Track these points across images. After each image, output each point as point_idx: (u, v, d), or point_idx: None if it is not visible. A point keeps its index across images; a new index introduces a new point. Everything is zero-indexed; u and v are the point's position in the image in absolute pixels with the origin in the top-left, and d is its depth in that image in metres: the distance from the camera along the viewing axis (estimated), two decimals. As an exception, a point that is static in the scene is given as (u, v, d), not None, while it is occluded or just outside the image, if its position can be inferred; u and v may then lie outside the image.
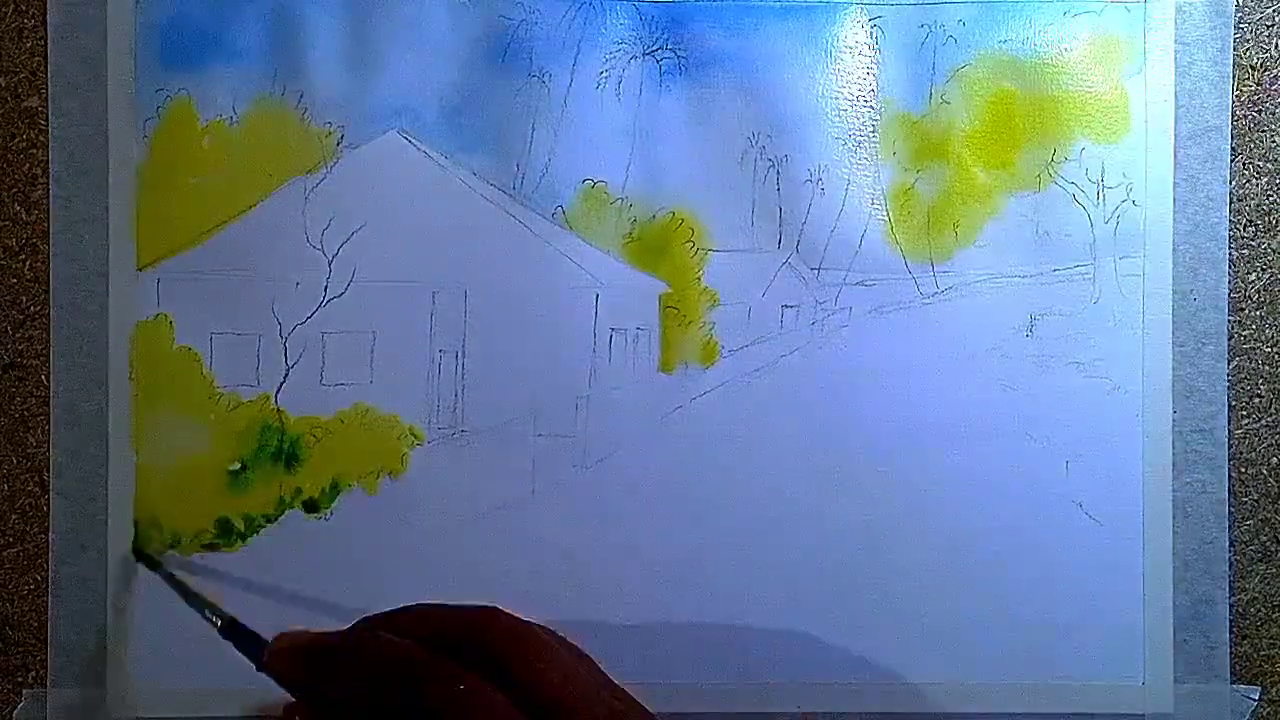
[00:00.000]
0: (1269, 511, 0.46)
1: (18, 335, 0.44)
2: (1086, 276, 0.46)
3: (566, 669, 0.32)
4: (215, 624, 0.40)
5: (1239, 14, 0.46)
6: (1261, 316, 0.46)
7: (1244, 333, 0.46)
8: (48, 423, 0.44)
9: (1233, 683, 0.46)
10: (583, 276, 0.45)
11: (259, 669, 0.36)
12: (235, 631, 0.39)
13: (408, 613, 0.35)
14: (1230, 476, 0.46)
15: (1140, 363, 0.46)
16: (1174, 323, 0.46)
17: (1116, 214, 0.46)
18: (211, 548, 0.44)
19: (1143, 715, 0.45)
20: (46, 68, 0.44)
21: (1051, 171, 0.46)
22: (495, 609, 0.33)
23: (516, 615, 0.33)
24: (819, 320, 0.46)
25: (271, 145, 0.44)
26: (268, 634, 0.37)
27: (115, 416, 0.44)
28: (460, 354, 0.45)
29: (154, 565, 0.44)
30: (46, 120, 0.44)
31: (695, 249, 0.46)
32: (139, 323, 0.44)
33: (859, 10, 0.46)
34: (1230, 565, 0.46)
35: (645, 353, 0.45)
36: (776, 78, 0.45)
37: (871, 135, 0.46)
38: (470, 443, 0.45)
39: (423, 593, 0.36)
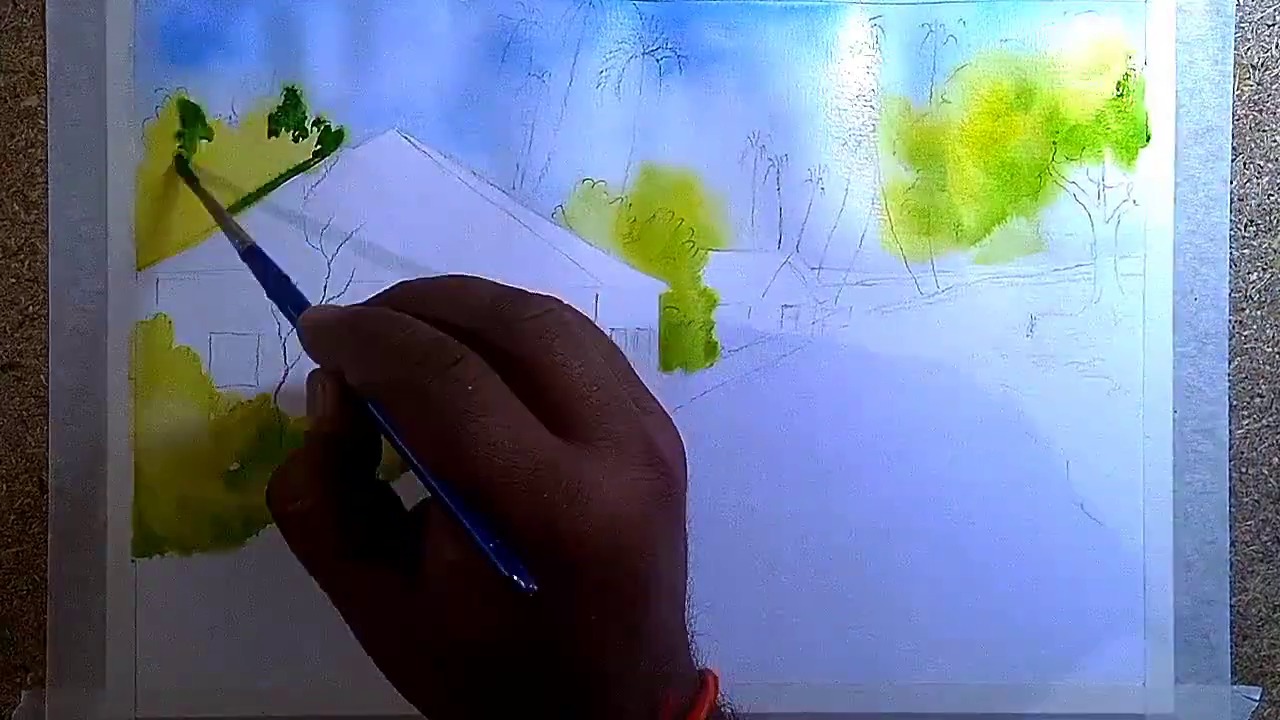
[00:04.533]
0: (1270, 511, 0.46)
1: (17, 335, 0.44)
2: (1087, 276, 0.46)
3: (592, 369, 0.31)
4: (239, 248, 0.40)
5: (1239, 13, 0.46)
6: (1262, 316, 0.46)
7: (1244, 333, 0.46)
8: (47, 423, 0.44)
9: (1234, 683, 0.46)
10: (582, 276, 0.45)
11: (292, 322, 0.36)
12: (255, 260, 0.39)
13: (446, 282, 0.34)
14: (1231, 476, 0.46)
15: (1140, 363, 0.46)
16: (1174, 323, 0.46)
17: (1117, 214, 0.46)
18: (211, 548, 0.44)
19: (1143, 715, 0.45)
20: (46, 67, 0.44)
21: (1052, 171, 0.46)
22: (529, 295, 0.32)
23: (554, 302, 0.33)
24: (819, 320, 0.46)
25: (271, 144, 0.44)
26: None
27: (115, 416, 0.44)
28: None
29: (191, 179, 0.43)
30: (46, 120, 0.44)
31: (695, 249, 0.46)
32: (138, 323, 0.44)
33: (859, 9, 0.45)
34: (1231, 565, 0.46)
35: (645, 353, 0.45)
36: (776, 77, 0.45)
37: (872, 134, 0.46)
38: (470, 443, 0.45)
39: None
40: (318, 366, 0.34)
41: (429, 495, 0.31)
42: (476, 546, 0.28)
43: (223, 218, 0.42)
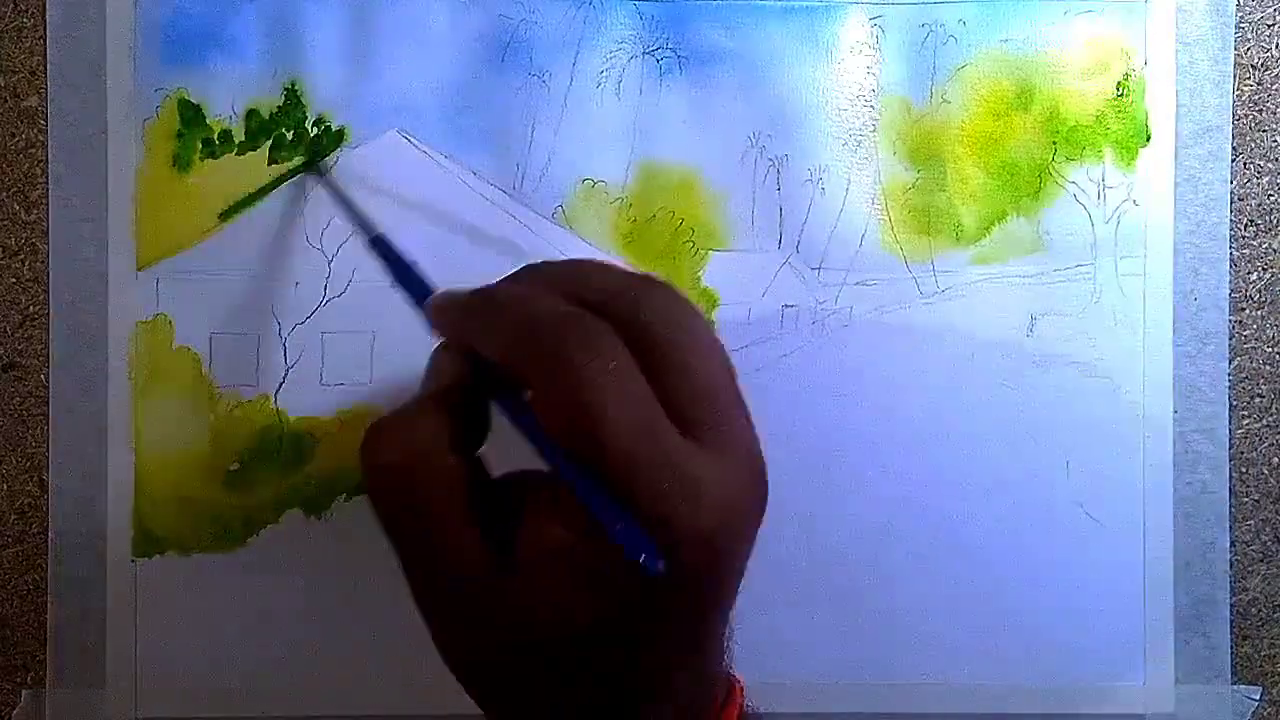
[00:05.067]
0: (1270, 511, 0.46)
1: (17, 335, 0.44)
2: (1087, 276, 0.46)
3: (710, 364, 0.31)
4: (365, 237, 0.41)
5: (1239, 13, 0.46)
6: (1262, 316, 0.46)
7: (1244, 333, 0.46)
8: (47, 423, 0.44)
9: (1234, 683, 0.46)
10: (583, 276, 0.45)
11: (419, 313, 0.36)
12: (382, 247, 0.40)
13: (569, 264, 0.33)
14: (1231, 476, 0.46)
15: (1140, 363, 0.46)
16: (1174, 323, 0.46)
17: (1117, 214, 0.46)
18: (211, 548, 0.44)
19: (1143, 715, 0.45)
20: (46, 67, 0.44)
21: (1052, 171, 0.46)
22: (655, 280, 0.32)
23: (675, 290, 0.32)
24: (819, 320, 0.46)
25: (271, 144, 0.44)
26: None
27: (115, 416, 0.44)
28: (460, 354, 0.45)
29: (321, 172, 0.44)
30: (46, 120, 0.44)
31: (695, 249, 0.46)
32: (139, 323, 0.44)
33: (859, 9, 0.45)
34: (1231, 565, 0.46)
35: (645, 353, 0.45)
36: (776, 77, 0.45)
37: (872, 134, 0.46)
38: (470, 443, 0.45)
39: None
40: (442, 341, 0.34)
41: (514, 478, 0.31)
42: (595, 524, 0.28)
43: (351, 207, 0.42)
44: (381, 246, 0.40)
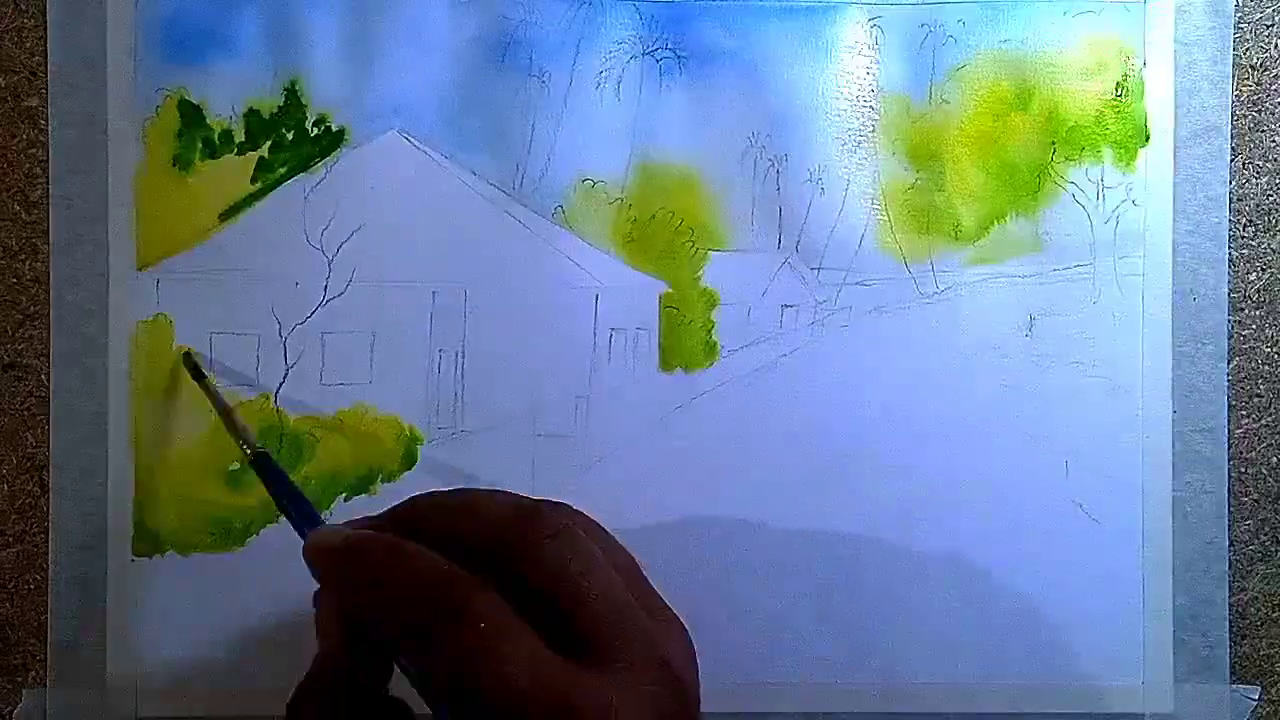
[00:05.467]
0: (1269, 511, 0.46)
1: (18, 335, 0.44)
2: (1086, 276, 0.46)
3: (607, 586, 0.31)
4: (247, 455, 0.40)
5: (1239, 14, 0.46)
6: (1261, 316, 0.46)
7: (1244, 333, 0.46)
8: (48, 423, 0.44)
9: (1233, 682, 0.46)
10: (583, 276, 0.45)
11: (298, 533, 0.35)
12: (263, 468, 0.39)
13: (454, 500, 0.33)
14: (1230, 476, 0.46)
15: (1140, 363, 0.46)
16: (1174, 323, 0.46)
17: (1116, 214, 0.46)
18: (211, 548, 0.44)
19: (1143, 715, 0.45)
20: (46, 67, 0.44)
21: (1051, 171, 0.46)
22: (538, 509, 0.32)
23: (563, 514, 0.33)
24: (819, 320, 0.46)
25: (271, 144, 0.44)
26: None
27: (115, 416, 0.44)
28: (460, 354, 0.45)
29: (199, 376, 0.43)
30: (46, 120, 0.44)
31: (695, 249, 0.46)
32: (139, 323, 0.44)
33: (859, 9, 0.46)
34: (1230, 565, 0.46)
35: (645, 353, 0.45)
36: (776, 77, 0.45)
37: (871, 134, 0.46)
38: (470, 443, 0.45)
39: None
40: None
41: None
42: None
43: (231, 420, 0.41)
44: (265, 468, 0.39)
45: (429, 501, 0.34)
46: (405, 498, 0.34)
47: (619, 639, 0.31)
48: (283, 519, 0.44)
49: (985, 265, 0.46)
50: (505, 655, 0.29)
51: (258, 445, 0.40)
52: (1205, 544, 0.46)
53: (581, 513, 0.34)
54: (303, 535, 0.35)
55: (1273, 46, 0.46)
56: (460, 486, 0.35)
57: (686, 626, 0.34)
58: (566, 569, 0.31)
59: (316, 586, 0.34)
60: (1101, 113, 0.46)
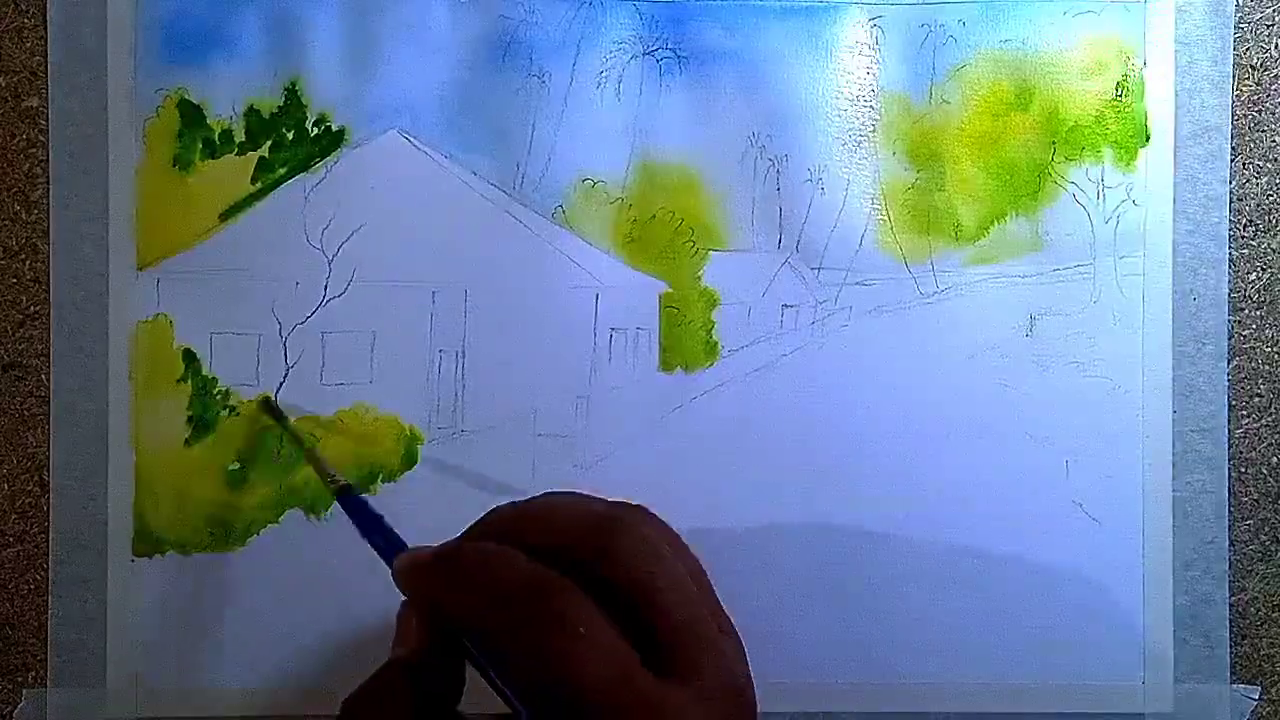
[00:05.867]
0: (1269, 511, 0.46)
1: (18, 335, 0.44)
2: (1086, 276, 0.46)
3: (687, 597, 0.31)
4: (330, 487, 0.40)
5: (1239, 14, 0.46)
6: (1261, 316, 0.46)
7: (1244, 333, 0.46)
8: (48, 423, 0.44)
9: (1233, 682, 0.46)
10: (583, 276, 0.45)
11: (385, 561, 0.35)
12: (348, 501, 0.39)
13: (534, 509, 0.33)
14: (1230, 476, 0.46)
15: (1140, 363, 0.46)
16: (1174, 322, 0.46)
17: (1116, 214, 0.46)
18: (211, 548, 0.44)
19: (1143, 715, 0.45)
20: (46, 67, 0.44)
21: (1051, 171, 0.46)
22: (622, 515, 0.32)
23: (646, 520, 0.33)
24: (819, 320, 0.46)
25: (271, 144, 0.44)
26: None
27: (115, 416, 0.44)
28: (460, 354, 0.45)
29: (280, 418, 0.43)
30: (46, 120, 0.44)
31: (695, 249, 0.46)
32: (139, 323, 0.44)
33: (859, 9, 0.46)
34: (1230, 565, 0.46)
35: (645, 353, 0.45)
36: (776, 77, 0.45)
37: (871, 134, 0.46)
38: (470, 443, 0.45)
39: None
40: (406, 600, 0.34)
41: None
42: None
43: (316, 460, 0.42)
44: (349, 498, 0.39)
45: (510, 512, 0.34)
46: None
47: (695, 653, 0.31)
48: (284, 519, 0.44)
49: (985, 265, 0.46)
50: (598, 660, 0.29)
51: (340, 478, 0.40)
52: (1205, 544, 0.46)
53: (655, 515, 0.34)
54: (388, 561, 0.35)
55: (1273, 46, 0.46)
56: (558, 491, 0.35)
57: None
58: (647, 578, 0.31)
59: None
60: (1101, 113, 0.46)
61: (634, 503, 0.34)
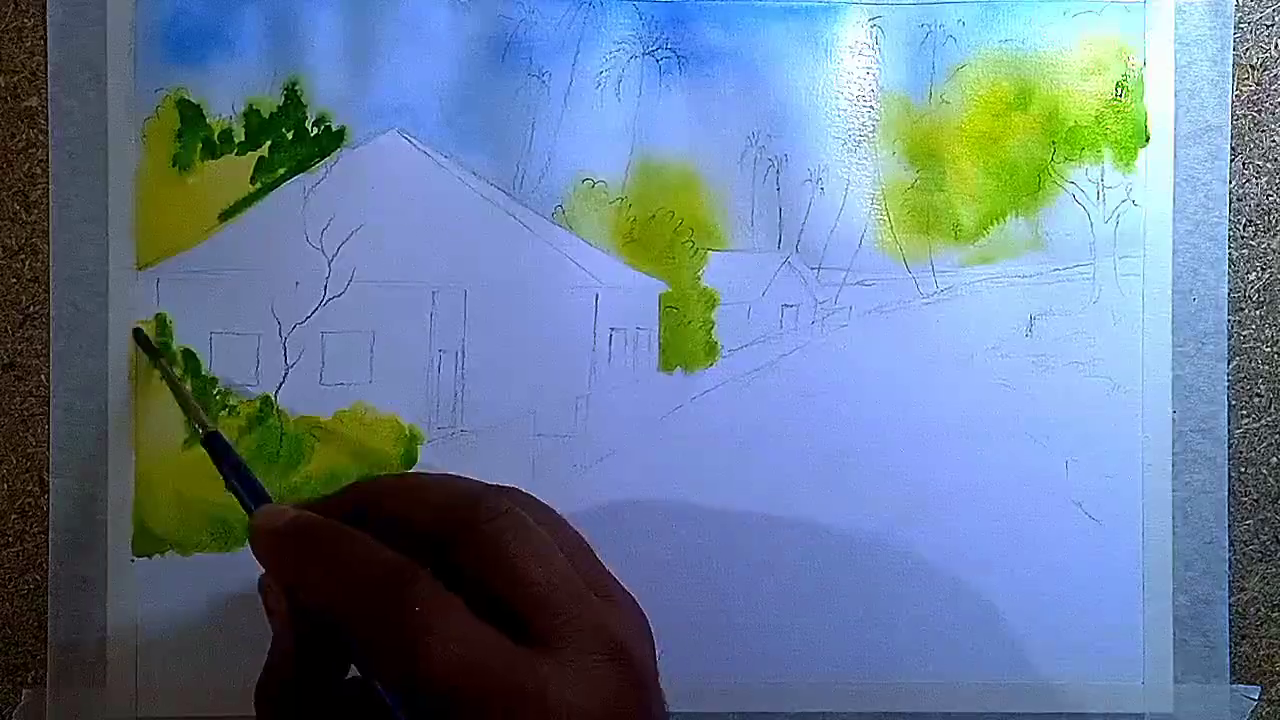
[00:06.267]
0: (1269, 511, 0.46)
1: (18, 335, 0.44)
2: (1086, 276, 0.46)
3: (549, 567, 0.31)
4: (199, 433, 0.40)
5: (1239, 14, 0.46)
6: (1261, 316, 0.46)
7: (1244, 333, 0.46)
8: (48, 423, 0.44)
9: (1232, 682, 0.46)
10: (583, 276, 0.45)
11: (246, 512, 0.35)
12: (213, 447, 0.39)
13: (401, 483, 0.34)
14: (1230, 476, 0.46)
15: (1140, 362, 0.46)
16: (1174, 322, 0.46)
17: (1116, 214, 0.46)
18: (211, 548, 0.44)
19: (1143, 715, 0.46)
20: (46, 67, 0.44)
21: (1051, 171, 0.46)
22: (482, 494, 0.33)
23: (507, 497, 0.33)
24: (819, 320, 0.46)
25: (271, 144, 0.44)
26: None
27: (115, 416, 0.44)
28: (460, 354, 0.45)
29: (154, 354, 0.43)
30: (46, 120, 0.44)
31: (695, 249, 0.46)
32: (139, 323, 0.44)
33: (859, 9, 0.46)
34: (1230, 565, 0.46)
35: (645, 353, 0.45)
36: (776, 77, 0.45)
37: (871, 135, 0.46)
38: (470, 443, 0.45)
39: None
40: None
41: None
42: None
43: (185, 399, 0.42)
44: (215, 445, 0.39)
45: (379, 484, 0.34)
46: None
47: (561, 619, 0.31)
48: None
49: (985, 265, 0.46)
50: (439, 635, 0.29)
51: (209, 425, 0.40)
52: (1205, 544, 0.46)
53: (531, 496, 0.34)
54: (249, 513, 0.35)
55: (1273, 46, 0.46)
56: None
57: (640, 606, 0.34)
58: (505, 552, 0.31)
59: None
60: (1101, 113, 0.46)
61: (509, 486, 0.34)
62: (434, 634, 0.29)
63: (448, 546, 0.31)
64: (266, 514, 0.34)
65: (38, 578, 0.44)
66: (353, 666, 0.34)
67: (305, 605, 0.32)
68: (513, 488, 0.34)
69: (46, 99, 0.44)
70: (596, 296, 0.45)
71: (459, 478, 0.34)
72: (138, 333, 0.44)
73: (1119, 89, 0.46)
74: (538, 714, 0.29)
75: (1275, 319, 0.46)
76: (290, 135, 0.45)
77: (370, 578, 0.30)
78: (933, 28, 0.46)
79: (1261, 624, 0.46)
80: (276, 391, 0.44)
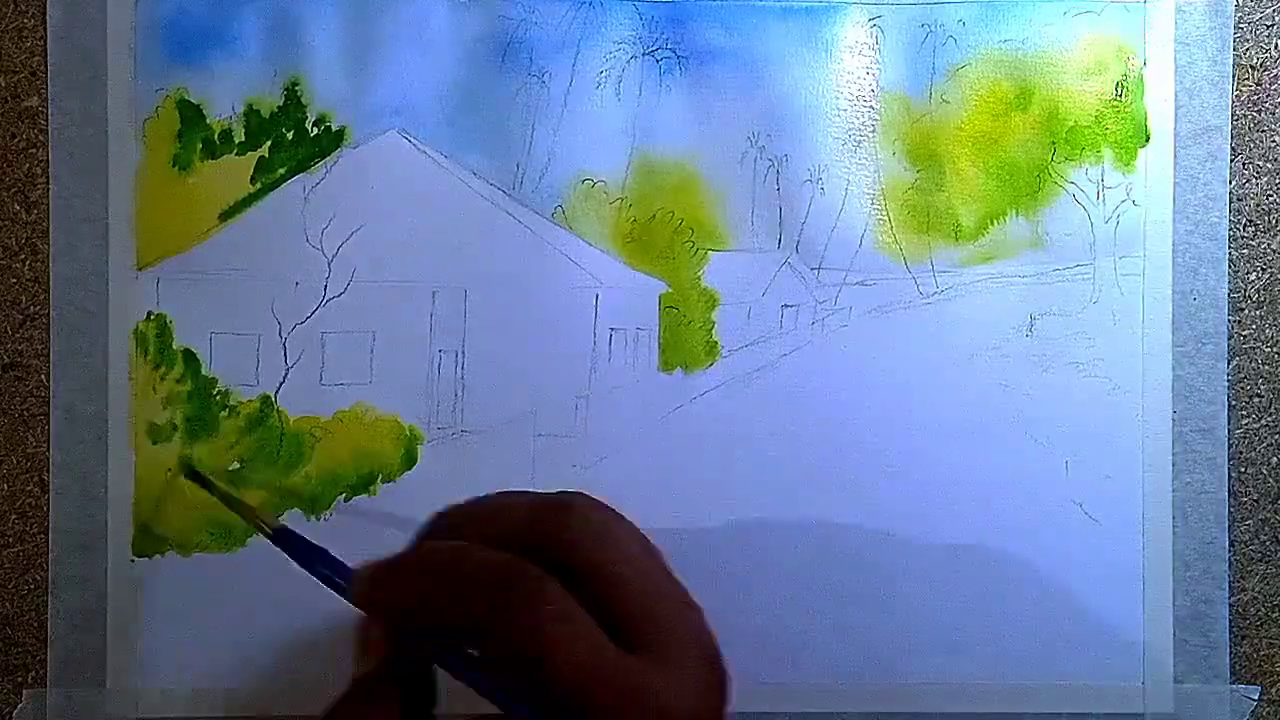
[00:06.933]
0: (1269, 511, 0.46)
1: (18, 335, 0.44)
2: (1086, 276, 0.46)
3: (645, 573, 0.31)
4: (268, 535, 0.38)
5: (1239, 14, 0.46)
6: (1261, 316, 0.46)
7: (1244, 333, 0.46)
8: (48, 423, 0.44)
9: (1232, 683, 0.46)
10: (583, 276, 0.45)
11: (341, 595, 0.34)
12: (288, 543, 0.37)
13: (483, 506, 0.33)
14: (1230, 476, 0.46)
15: (1140, 363, 0.46)
16: (1174, 322, 0.46)
17: (1116, 214, 0.46)
18: (211, 548, 0.44)
19: (1143, 715, 0.46)
20: (46, 67, 0.44)
21: (1051, 171, 0.46)
22: (570, 501, 0.32)
23: (593, 505, 0.33)
24: (819, 320, 0.46)
25: (271, 144, 0.44)
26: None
27: (115, 416, 0.44)
28: (460, 354, 0.45)
29: (208, 484, 0.42)
30: (46, 120, 0.44)
31: (695, 249, 0.46)
32: (139, 323, 0.44)
33: (859, 9, 0.46)
34: (1230, 565, 0.46)
35: (645, 353, 0.45)
36: (776, 77, 0.45)
37: (871, 135, 0.46)
38: (470, 443, 0.45)
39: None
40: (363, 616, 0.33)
41: None
42: None
43: (245, 509, 0.40)
44: (286, 539, 0.38)
45: (458, 511, 0.34)
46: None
47: (665, 626, 0.31)
48: (284, 519, 0.44)
49: (985, 265, 0.46)
50: (573, 637, 0.29)
51: (274, 522, 0.39)
52: (1205, 544, 0.46)
53: (597, 499, 0.34)
54: (338, 588, 0.34)
55: (1273, 46, 0.46)
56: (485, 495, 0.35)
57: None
58: (601, 559, 0.31)
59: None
60: (1101, 113, 0.46)
61: (574, 490, 0.34)
62: (560, 625, 0.29)
63: (538, 559, 0.30)
64: (367, 567, 0.33)
65: (38, 578, 0.44)
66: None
67: (419, 628, 0.31)
68: (581, 493, 0.33)
69: (46, 99, 0.44)
70: (596, 296, 0.45)
71: (530, 492, 0.34)
72: (188, 467, 0.43)
73: (1119, 89, 0.46)
74: (649, 712, 0.29)
75: (1275, 319, 0.46)
76: (290, 135, 0.45)
77: (487, 577, 0.30)
78: (933, 28, 0.46)
79: (1261, 624, 0.46)
80: (276, 391, 0.44)
